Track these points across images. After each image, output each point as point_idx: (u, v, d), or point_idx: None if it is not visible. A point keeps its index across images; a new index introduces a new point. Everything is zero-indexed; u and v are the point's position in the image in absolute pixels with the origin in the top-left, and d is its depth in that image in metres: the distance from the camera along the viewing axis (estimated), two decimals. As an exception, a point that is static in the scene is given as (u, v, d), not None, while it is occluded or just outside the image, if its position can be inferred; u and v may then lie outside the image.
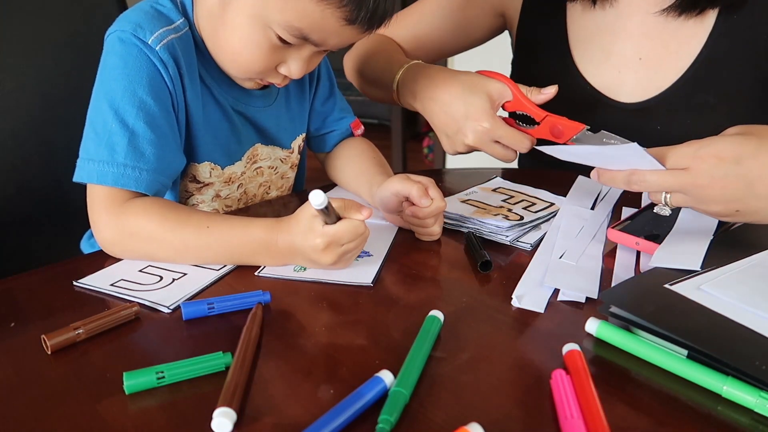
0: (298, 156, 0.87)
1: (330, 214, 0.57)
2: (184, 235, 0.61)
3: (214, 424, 0.39)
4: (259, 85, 0.73)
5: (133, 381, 0.43)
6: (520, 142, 0.76)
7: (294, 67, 0.67)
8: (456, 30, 1.03)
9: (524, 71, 1.03)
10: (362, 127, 0.91)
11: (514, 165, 1.01)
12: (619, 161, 0.63)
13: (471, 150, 0.81)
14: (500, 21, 1.04)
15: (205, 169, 0.74)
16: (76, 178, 0.64)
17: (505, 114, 0.81)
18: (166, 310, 0.54)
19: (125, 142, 0.63)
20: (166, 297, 0.55)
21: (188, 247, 0.61)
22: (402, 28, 1.04)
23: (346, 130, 0.89)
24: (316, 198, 0.53)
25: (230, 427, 0.39)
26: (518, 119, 0.78)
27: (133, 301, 0.54)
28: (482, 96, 0.77)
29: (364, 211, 0.59)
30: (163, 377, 0.44)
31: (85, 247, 0.86)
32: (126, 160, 0.62)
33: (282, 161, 0.84)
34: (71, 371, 0.46)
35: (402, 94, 0.88)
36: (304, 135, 0.86)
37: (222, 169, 0.76)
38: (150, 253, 0.62)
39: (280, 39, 0.63)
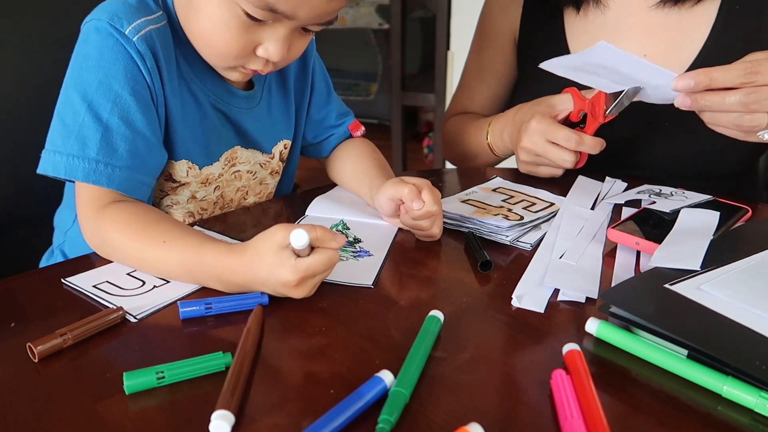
0: (279, 163, 0.85)
1: (305, 249, 0.52)
2: (141, 248, 0.59)
3: (212, 427, 0.39)
4: (244, 75, 0.69)
5: (133, 381, 0.43)
6: (563, 133, 0.77)
7: (272, 48, 0.63)
8: (498, 79, 1.07)
9: (526, 82, 1.03)
10: (362, 128, 0.90)
11: (516, 165, 1.01)
12: (624, 71, 0.67)
13: (532, 160, 0.83)
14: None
15: (182, 168, 0.72)
16: (41, 170, 0.62)
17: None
18: (132, 320, 0.52)
19: (98, 136, 0.61)
20: (138, 305, 0.54)
21: (144, 259, 0.59)
22: (461, 106, 1.10)
23: (344, 134, 0.88)
24: (299, 239, 0.51)
25: (228, 429, 0.39)
26: (582, 124, 0.81)
27: (111, 306, 0.54)
28: (543, 105, 0.82)
29: (339, 239, 0.55)
30: (163, 377, 0.44)
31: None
32: (98, 156, 0.61)
33: (262, 166, 0.82)
34: (71, 371, 0.46)
35: (494, 143, 0.94)
36: (287, 142, 0.84)
37: (200, 168, 0.74)
38: (122, 261, 0.61)
39: (249, 16, 0.60)
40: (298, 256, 0.53)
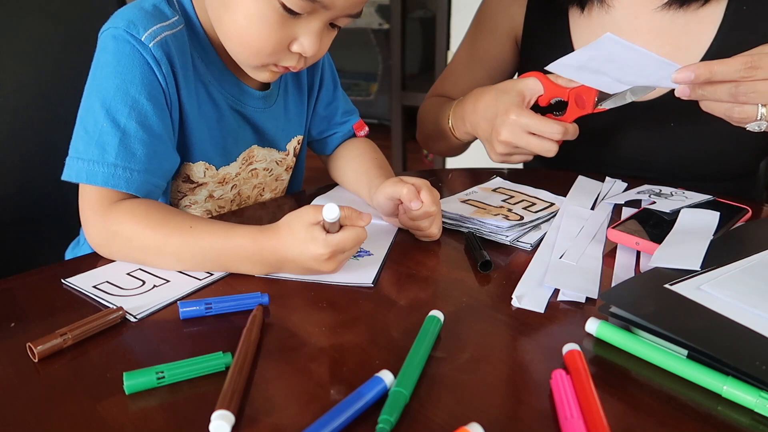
0: (294, 158, 0.86)
1: (335, 224, 0.56)
2: (164, 234, 0.60)
3: (212, 427, 0.39)
4: (274, 74, 0.69)
5: (133, 381, 0.43)
6: (550, 126, 0.77)
7: (306, 42, 0.64)
8: (487, 71, 1.06)
9: None
10: (366, 128, 0.90)
11: (518, 165, 1.02)
12: (627, 65, 0.67)
13: (510, 152, 0.82)
14: (517, 46, 1.05)
15: (199, 169, 0.74)
16: (65, 176, 0.63)
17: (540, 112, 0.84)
18: (132, 320, 0.52)
19: (116, 141, 0.62)
20: (138, 305, 0.54)
21: (168, 246, 0.59)
22: (442, 89, 1.09)
23: (348, 132, 0.89)
24: (331, 212, 0.54)
25: (228, 429, 0.39)
26: (555, 110, 0.81)
27: (111, 306, 0.54)
28: (512, 94, 0.81)
29: (365, 217, 0.59)
30: (163, 377, 0.44)
31: (69, 256, 0.84)
32: (117, 160, 0.62)
33: (278, 163, 0.83)
34: (71, 371, 0.46)
35: (456, 127, 0.93)
36: (300, 137, 0.85)
37: (216, 169, 0.75)
38: (132, 255, 0.61)
39: (286, 9, 0.61)
40: (328, 232, 0.56)
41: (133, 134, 0.63)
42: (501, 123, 0.80)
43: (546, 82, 0.80)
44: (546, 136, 0.78)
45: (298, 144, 0.86)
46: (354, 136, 0.90)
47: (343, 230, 0.57)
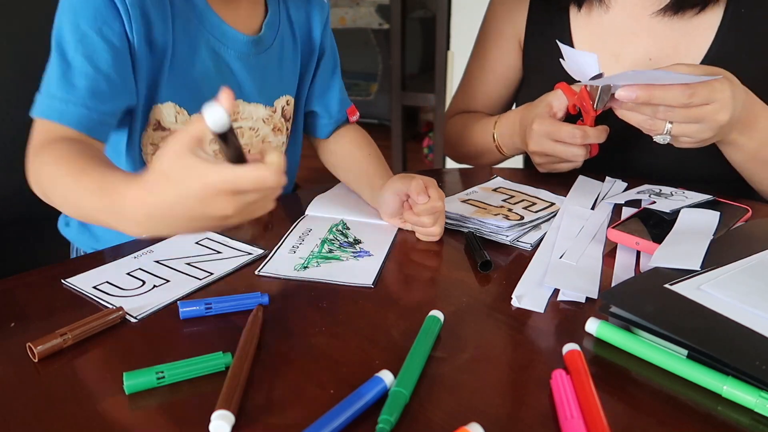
0: (282, 120, 0.82)
1: (229, 146, 0.38)
2: (51, 172, 0.55)
3: (212, 427, 0.39)
4: None
5: (133, 381, 0.43)
6: (566, 130, 0.79)
7: None
8: (500, 79, 1.07)
9: (531, 85, 1.03)
10: (357, 114, 0.90)
11: (519, 165, 1.02)
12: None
13: (545, 161, 0.86)
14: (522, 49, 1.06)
15: (169, 112, 0.70)
16: (32, 112, 0.62)
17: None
18: (132, 320, 0.52)
19: (60, 73, 0.61)
20: (138, 305, 0.54)
21: (56, 189, 0.55)
22: (462, 104, 1.10)
23: (342, 119, 0.87)
24: (214, 115, 0.36)
25: (228, 429, 0.39)
26: (581, 117, 0.82)
27: (111, 307, 0.54)
28: (541, 106, 0.84)
29: (273, 154, 0.41)
30: (163, 377, 0.44)
31: (63, 230, 0.82)
32: (56, 92, 0.61)
33: (264, 121, 0.79)
34: (71, 371, 0.46)
35: (504, 145, 0.96)
36: (289, 98, 0.82)
37: (189, 114, 0.71)
38: (46, 195, 0.57)
39: None
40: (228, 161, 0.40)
41: (77, 67, 0.62)
42: (528, 135, 0.83)
43: (566, 90, 0.82)
44: (567, 141, 0.80)
45: (288, 105, 0.82)
46: (347, 121, 0.88)
47: (246, 165, 0.41)
